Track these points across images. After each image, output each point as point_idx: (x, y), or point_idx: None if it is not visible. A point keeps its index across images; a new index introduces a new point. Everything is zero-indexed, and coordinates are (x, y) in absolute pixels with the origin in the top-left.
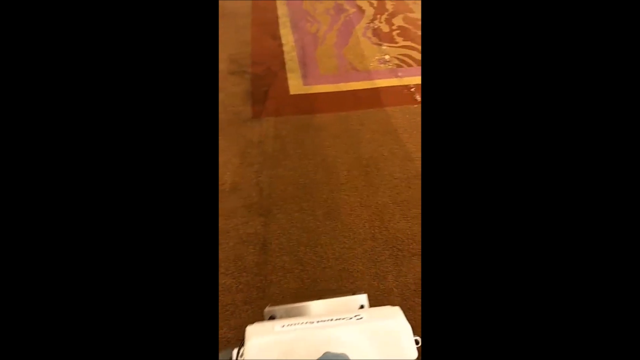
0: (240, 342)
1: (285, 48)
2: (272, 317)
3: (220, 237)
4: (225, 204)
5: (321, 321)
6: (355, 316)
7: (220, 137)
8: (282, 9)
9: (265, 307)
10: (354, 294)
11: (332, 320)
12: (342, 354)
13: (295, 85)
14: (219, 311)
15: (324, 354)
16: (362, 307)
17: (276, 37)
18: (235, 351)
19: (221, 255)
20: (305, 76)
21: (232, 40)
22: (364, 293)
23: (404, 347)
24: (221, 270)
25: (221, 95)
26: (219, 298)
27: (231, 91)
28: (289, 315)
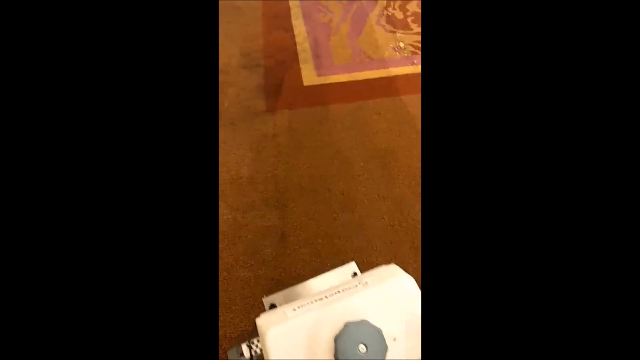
0: (248, 336)
1: (297, 39)
2: (272, 306)
3: (238, 231)
4: (243, 197)
5: (330, 295)
6: (360, 283)
7: (234, 132)
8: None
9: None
10: (342, 263)
11: (339, 292)
12: (362, 320)
13: (309, 76)
14: (239, 305)
15: (345, 325)
16: (355, 274)
17: (288, 28)
18: (244, 345)
19: (239, 248)
20: (318, 67)
21: (243, 33)
22: (352, 261)
23: (413, 301)
24: (240, 264)
25: (234, 90)
26: (239, 291)
27: (244, 85)
28: (287, 300)
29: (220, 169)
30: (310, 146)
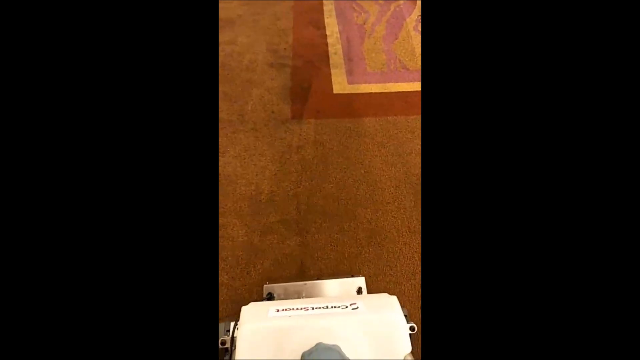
0: (237, 318)
1: (329, 40)
2: (270, 294)
3: (254, 257)
4: (261, 217)
5: (317, 308)
6: (351, 305)
7: (256, 139)
8: None
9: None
10: (352, 276)
11: (327, 307)
12: (335, 345)
13: (340, 82)
14: None
15: (316, 344)
16: (359, 289)
17: (320, 26)
18: (232, 324)
19: (255, 277)
20: (350, 73)
21: (272, 28)
22: (362, 276)
23: (397, 340)
24: (253, 297)
25: (258, 91)
26: None
27: (269, 86)
28: (286, 293)
29: (239, 181)
30: (337, 163)
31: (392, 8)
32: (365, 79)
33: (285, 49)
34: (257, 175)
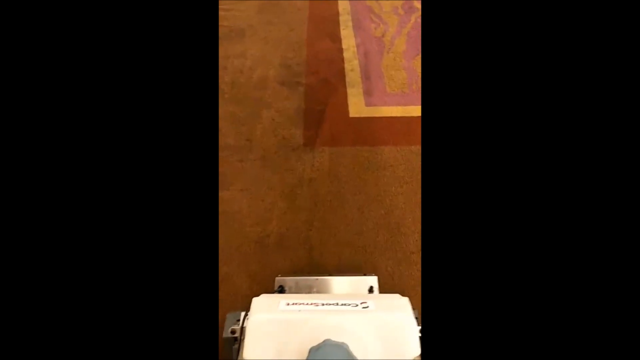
0: (247, 310)
1: (345, 54)
2: (281, 287)
3: None
4: (268, 267)
5: (327, 304)
6: (362, 303)
7: (264, 169)
8: (343, 4)
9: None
10: (364, 274)
11: (337, 304)
12: (343, 343)
13: (357, 104)
14: None
15: (324, 340)
16: (371, 288)
17: (336, 39)
18: (242, 315)
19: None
20: (368, 93)
21: (285, 39)
22: (375, 275)
23: (406, 342)
24: None
25: (268, 113)
26: None
27: (281, 107)
28: (298, 287)
29: (244, 221)
30: (354, 201)
31: (412, 19)
32: (385, 101)
33: (298, 64)
34: (265, 213)
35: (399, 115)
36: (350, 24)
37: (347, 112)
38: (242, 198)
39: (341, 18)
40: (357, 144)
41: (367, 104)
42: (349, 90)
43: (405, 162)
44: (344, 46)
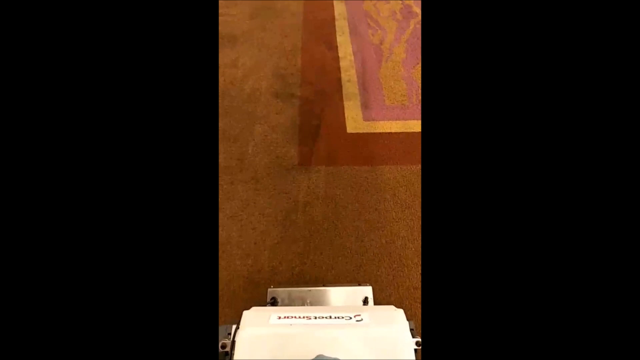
0: (238, 322)
1: (342, 63)
2: (273, 299)
3: None
4: (262, 303)
5: (319, 318)
6: (356, 316)
7: (256, 193)
8: (339, 8)
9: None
10: (359, 284)
11: (330, 318)
12: (335, 359)
13: (354, 119)
14: None
15: (316, 356)
16: (366, 299)
17: (332, 46)
18: (234, 327)
19: None
20: (366, 106)
21: (279, 47)
22: (369, 285)
23: (401, 355)
24: None
25: (261, 128)
26: None
27: (274, 122)
28: (290, 298)
29: (234, 252)
30: (353, 227)
31: (411, 25)
32: (384, 115)
33: (293, 74)
34: (255, 244)
35: (398, 130)
36: (346, 29)
37: (344, 127)
38: (232, 225)
39: (337, 23)
40: (355, 163)
41: (365, 118)
42: (346, 103)
43: (407, 183)
44: (340, 54)
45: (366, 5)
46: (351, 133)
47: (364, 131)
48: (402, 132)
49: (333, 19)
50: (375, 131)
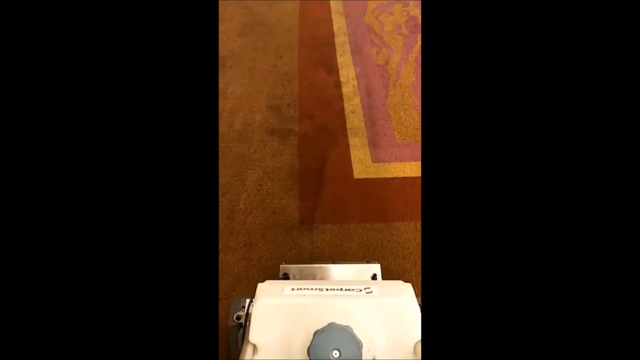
0: (252, 296)
1: (344, 90)
2: (285, 275)
3: None
4: None
5: (331, 289)
6: (366, 289)
7: (249, 264)
8: (338, 22)
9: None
10: (368, 262)
11: (341, 289)
12: (347, 326)
13: (362, 160)
14: None
15: (328, 324)
16: (374, 276)
17: (332, 69)
18: (247, 301)
19: None
20: (374, 144)
21: (273, 71)
22: (378, 263)
23: (410, 326)
24: None
25: (254, 175)
26: None
27: (269, 167)
28: (302, 274)
29: (223, 336)
30: None
31: (419, 41)
32: (395, 155)
33: (289, 104)
34: None
35: (413, 175)
36: (348, 47)
37: (350, 170)
38: (220, 311)
39: (337, 40)
40: (366, 220)
41: (374, 159)
42: (351, 140)
43: None
44: (342, 78)
45: (367, 18)
46: (359, 179)
47: (374, 176)
48: (418, 177)
49: (332, 35)
50: (386, 176)
